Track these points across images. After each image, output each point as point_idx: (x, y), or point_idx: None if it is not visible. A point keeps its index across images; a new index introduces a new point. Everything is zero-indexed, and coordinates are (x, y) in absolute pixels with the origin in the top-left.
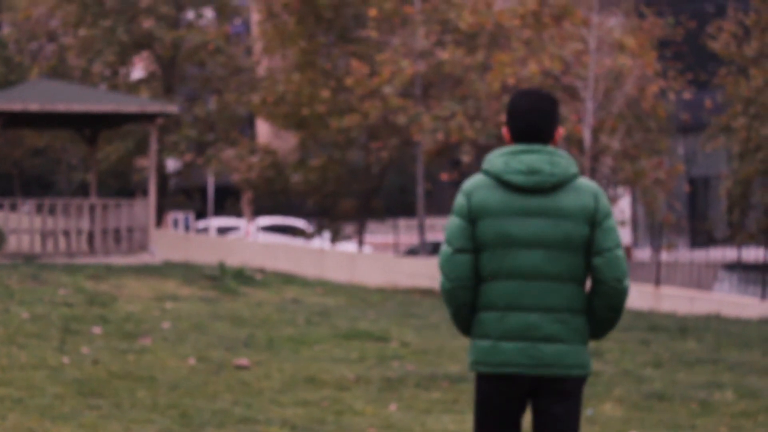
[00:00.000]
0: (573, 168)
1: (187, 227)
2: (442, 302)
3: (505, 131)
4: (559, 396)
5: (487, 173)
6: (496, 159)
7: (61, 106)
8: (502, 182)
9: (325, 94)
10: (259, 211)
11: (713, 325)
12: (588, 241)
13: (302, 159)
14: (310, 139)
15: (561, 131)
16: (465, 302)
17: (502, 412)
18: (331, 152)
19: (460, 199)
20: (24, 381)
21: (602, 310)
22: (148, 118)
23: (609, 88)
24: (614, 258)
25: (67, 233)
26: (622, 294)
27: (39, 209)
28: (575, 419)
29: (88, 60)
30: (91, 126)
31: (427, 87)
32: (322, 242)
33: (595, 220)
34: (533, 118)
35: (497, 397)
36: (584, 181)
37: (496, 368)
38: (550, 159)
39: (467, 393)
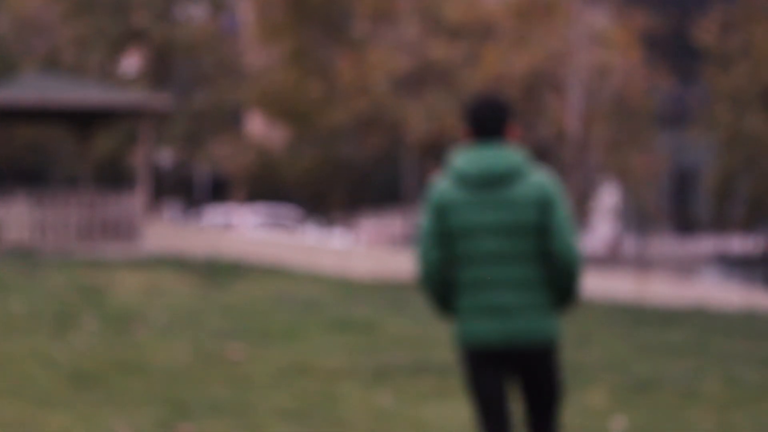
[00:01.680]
0: (521, 161)
1: (181, 219)
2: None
3: (462, 130)
4: (529, 365)
5: (450, 172)
6: (455, 158)
7: (52, 99)
8: (460, 179)
9: (315, 88)
10: (252, 198)
11: (699, 315)
12: (540, 226)
13: (294, 154)
14: (301, 133)
15: (517, 130)
16: (438, 290)
17: (486, 390)
18: (322, 146)
19: (429, 199)
20: (18, 372)
21: (559, 289)
22: (139, 111)
23: (595, 81)
24: (564, 241)
25: (60, 225)
26: (573, 273)
27: (32, 202)
28: (549, 387)
29: (80, 54)
30: (83, 120)
31: (417, 80)
32: (314, 235)
33: (544, 207)
34: (485, 119)
35: (477, 374)
36: (536, 174)
37: (471, 345)
38: (499, 154)
39: (459, 382)
